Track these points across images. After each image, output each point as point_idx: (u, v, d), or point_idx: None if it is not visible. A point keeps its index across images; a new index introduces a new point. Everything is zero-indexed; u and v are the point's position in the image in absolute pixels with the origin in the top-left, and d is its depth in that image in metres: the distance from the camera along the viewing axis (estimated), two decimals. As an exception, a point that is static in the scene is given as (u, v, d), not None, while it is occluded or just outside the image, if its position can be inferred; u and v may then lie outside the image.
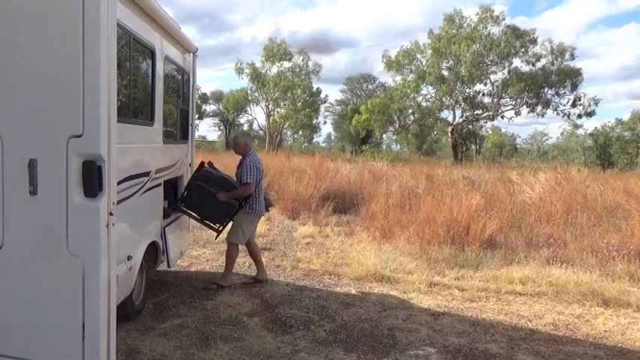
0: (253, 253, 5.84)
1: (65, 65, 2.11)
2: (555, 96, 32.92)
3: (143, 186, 4.19)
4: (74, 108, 2.09)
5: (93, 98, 2.07)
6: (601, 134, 42.79)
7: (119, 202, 3.52)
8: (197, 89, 43.54)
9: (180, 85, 5.71)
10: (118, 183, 3.53)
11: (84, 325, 2.14)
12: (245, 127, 53.55)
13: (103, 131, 2.09)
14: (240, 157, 5.66)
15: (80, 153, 2.12)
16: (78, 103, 2.08)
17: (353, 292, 5.61)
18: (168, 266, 5.15)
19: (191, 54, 5.95)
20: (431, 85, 34.07)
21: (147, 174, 4.29)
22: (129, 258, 3.93)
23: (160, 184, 4.76)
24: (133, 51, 4.00)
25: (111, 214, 2.16)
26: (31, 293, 2.22)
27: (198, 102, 46.87)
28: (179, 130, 5.69)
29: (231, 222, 5.57)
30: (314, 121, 43.75)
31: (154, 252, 4.70)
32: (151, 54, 4.46)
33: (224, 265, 5.73)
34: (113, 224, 2.17)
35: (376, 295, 5.45)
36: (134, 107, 4.14)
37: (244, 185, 5.37)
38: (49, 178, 2.15)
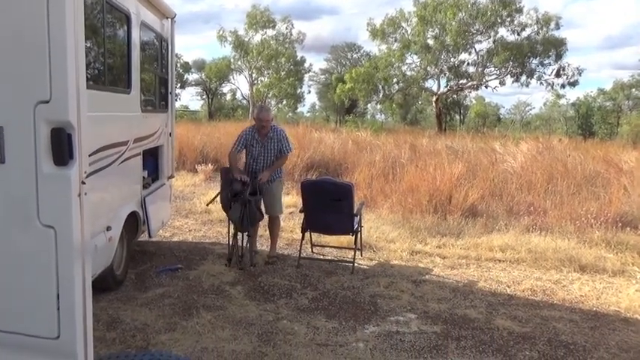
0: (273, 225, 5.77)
1: (30, 27, 2.00)
2: (540, 66, 32.91)
3: (121, 155, 4.11)
4: (40, 72, 1.99)
5: (60, 61, 1.97)
6: (583, 104, 43.13)
7: (96, 171, 3.47)
8: (178, 57, 42.54)
9: (158, 51, 5.55)
10: (95, 152, 3.47)
11: (58, 295, 2.11)
12: (228, 97, 52.84)
13: (72, 97, 2.00)
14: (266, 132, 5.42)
15: (48, 120, 2.03)
16: (44, 67, 1.98)
17: (335, 260, 5.65)
18: (150, 236, 5.11)
19: (169, 19, 5.77)
20: (416, 54, 33.75)
21: (124, 143, 4.21)
22: (108, 228, 3.89)
23: (138, 154, 4.67)
24: (106, 16, 3.86)
25: (83, 182, 2.10)
26: (3, 264, 2.17)
27: (180, 71, 45.85)
28: (158, 99, 5.56)
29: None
30: (298, 91, 43.27)
31: (134, 222, 4.65)
32: (127, 19, 4.31)
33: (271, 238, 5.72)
34: (86, 193, 2.11)
35: (359, 263, 5.49)
36: (109, 74, 4.03)
37: (287, 155, 5.54)
38: (16, 146, 2.07)
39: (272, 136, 5.40)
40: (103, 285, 4.17)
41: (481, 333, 3.90)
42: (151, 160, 5.35)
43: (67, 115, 2.02)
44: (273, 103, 45.34)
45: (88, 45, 3.52)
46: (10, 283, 2.19)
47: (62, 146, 2.04)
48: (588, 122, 41.58)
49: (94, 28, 3.68)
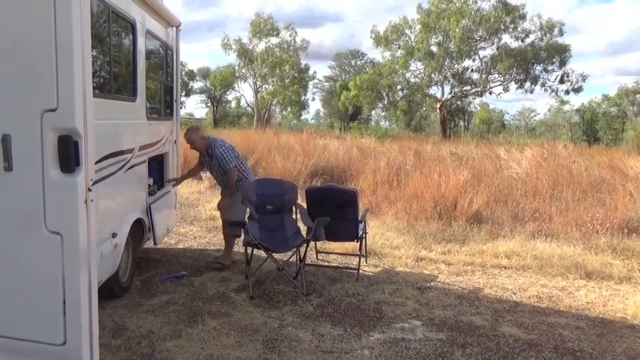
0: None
1: (37, 37, 2.03)
2: (543, 72, 32.91)
3: (127, 163, 4.14)
4: (47, 81, 2.02)
5: (67, 71, 2.00)
6: (587, 110, 42.97)
7: (102, 179, 3.49)
8: (183, 65, 42.64)
9: (163, 60, 5.60)
10: (101, 160, 3.50)
11: (65, 301, 2.12)
12: (233, 104, 53.02)
13: (79, 105, 2.02)
14: (204, 150, 5.37)
15: (55, 127, 2.05)
16: (51, 75, 2.01)
17: (340, 267, 5.64)
18: (155, 243, 5.13)
19: (174, 28, 5.82)
20: (420, 60, 33.85)
21: (130, 151, 4.24)
22: (114, 235, 3.90)
23: (144, 161, 4.70)
24: (112, 25, 3.90)
25: (89, 189, 2.12)
26: (10, 271, 2.19)
27: (185, 79, 46.10)
28: (163, 107, 5.60)
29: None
30: (302, 98, 43.33)
31: (139, 229, 4.67)
32: (132, 28, 4.35)
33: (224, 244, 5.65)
34: (92, 200, 2.13)
35: (363, 270, 5.48)
36: (115, 83, 4.06)
37: (234, 169, 5.28)
38: (24, 154, 2.10)
39: (211, 154, 5.33)
40: (109, 292, 4.19)
41: (487, 340, 3.88)
42: (157, 167, 5.38)
43: (74, 123, 2.05)
44: (277, 110, 45.46)
45: (95, 54, 3.56)
46: (16, 288, 2.21)
47: (69, 153, 2.06)
48: (593, 128, 41.40)
49: (100, 37, 3.72)
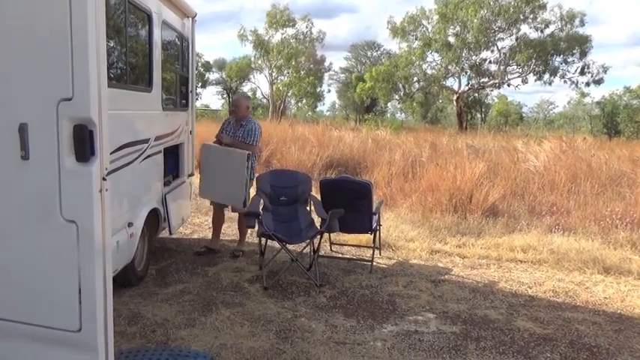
0: (220, 220, 5.80)
1: (52, 27, 2.05)
2: (563, 63, 32.33)
3: (142, 153, 4.17)
4: (63, 70, 2.04)
5: (82, 60, 2.02)
6: (608, 102, 42.04)
7: (118, 169, 3.52)
8: (199, 57, 42.77)
9: (179, 50, 5.61)
10: (117, 150, 3.53)
11: (80, 289, 2.15)
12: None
13: (94, 94, 2.04)
14: (239, 119, 5.49)
15: (71, 117, 2.08)
16: (67, 65, 2.03)
17: (354, 259, 5.63)
18: (170, 233, 5.18)
19: (190, 19, 5.83)
20: (437, 52, 33.48)
21: (146, 141, 4.26)
22: (129, 225, 3.94)
23: (160, 152, 4.73)
24: (129, 15, 3.91)
25: (104, 179, 2.14)
26: (27, 258, 2.23)
27: (201, 70, 46.32)
28: (179, 97, 5.63)
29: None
30: (318, 90, 43.26)
31: (155, 219, 4.71)
32: (148, 18, 4.36)
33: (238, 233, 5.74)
34: (107, 189, 2.15)
35: (377, 262, 5.47)
36: (131, 73, 4.09)
37: (251, 145, 5.35)
38: (40, 143, 2.12)
39: (244, 125, 5.44)
40: (125, 280, 4.24)
41: (501, 334, 3.85)
42: (172, 157, 5.41)
43: (89, 112, 2.06)
44: (292, 101, 45.46)
45: (111, 44, 3.58)
46: (33, 276, 2.24)
47: (84, 143, 2.08)
48: (614, 121, 40.56)
49: (117, 28, 3.74)
